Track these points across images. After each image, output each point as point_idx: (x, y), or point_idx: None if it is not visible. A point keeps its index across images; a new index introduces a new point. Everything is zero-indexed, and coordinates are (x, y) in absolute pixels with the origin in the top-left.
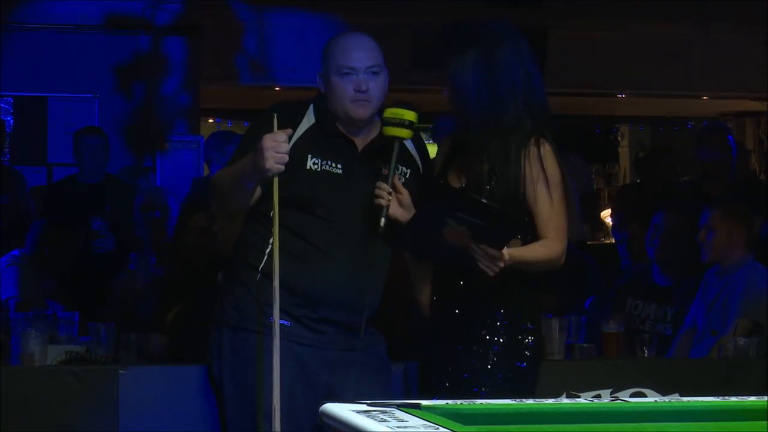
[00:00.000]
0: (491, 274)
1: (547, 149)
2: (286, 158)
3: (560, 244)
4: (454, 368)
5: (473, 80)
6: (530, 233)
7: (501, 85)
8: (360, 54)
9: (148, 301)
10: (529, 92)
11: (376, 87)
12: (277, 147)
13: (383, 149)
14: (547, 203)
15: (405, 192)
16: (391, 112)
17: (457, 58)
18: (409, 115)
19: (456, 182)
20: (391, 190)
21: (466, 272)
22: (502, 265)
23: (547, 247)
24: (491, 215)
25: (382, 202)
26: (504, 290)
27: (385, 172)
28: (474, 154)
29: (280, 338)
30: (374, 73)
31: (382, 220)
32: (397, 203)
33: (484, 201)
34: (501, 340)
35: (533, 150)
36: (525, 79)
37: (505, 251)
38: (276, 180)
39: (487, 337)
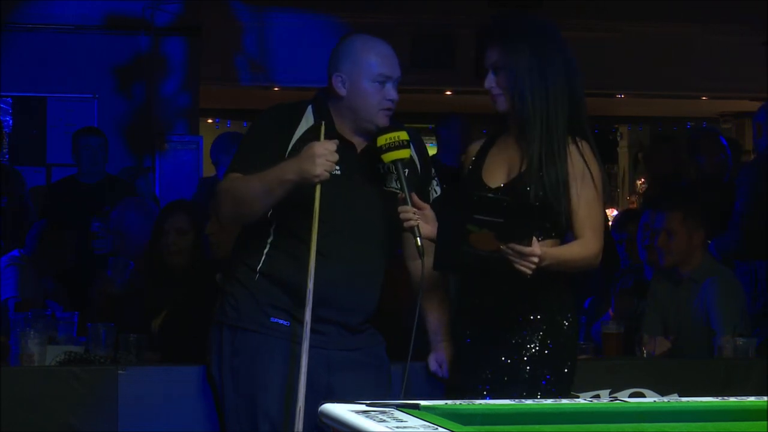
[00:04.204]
0: (528, 272)
1: (585, 147)
2: (335, 167)
3: (597, 243)
4: (492, 372)
5: (527, 76)
6: (558, 229)
7: (552, 81)
8: (395, 63)
9: (128, 306)
10: (573, 90)
11: (397, 98)
12: (328, 155)
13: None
14: (585, 202)
15: (426, 206)
16: (387, 138)
17: (509, 54)
18: (404, 135)
19: (493, 180)
20: (415, 209)
21: (504, 277)
22: (536, 261)
23: (584, 246)
24: (505, 208)
25: (412, 223)
26: (542, 291)
27: (401, 196)
28: (521, 150)
29: (280, 338)
30: (397, 83)
31: (418, 240)
32: (423, 221)
33: (491, 195)
34: (540, 342)
35: (573, 148)
36: (571, 77)
37: (538, 248)
38: (318, 187)
39: (527, 339)
